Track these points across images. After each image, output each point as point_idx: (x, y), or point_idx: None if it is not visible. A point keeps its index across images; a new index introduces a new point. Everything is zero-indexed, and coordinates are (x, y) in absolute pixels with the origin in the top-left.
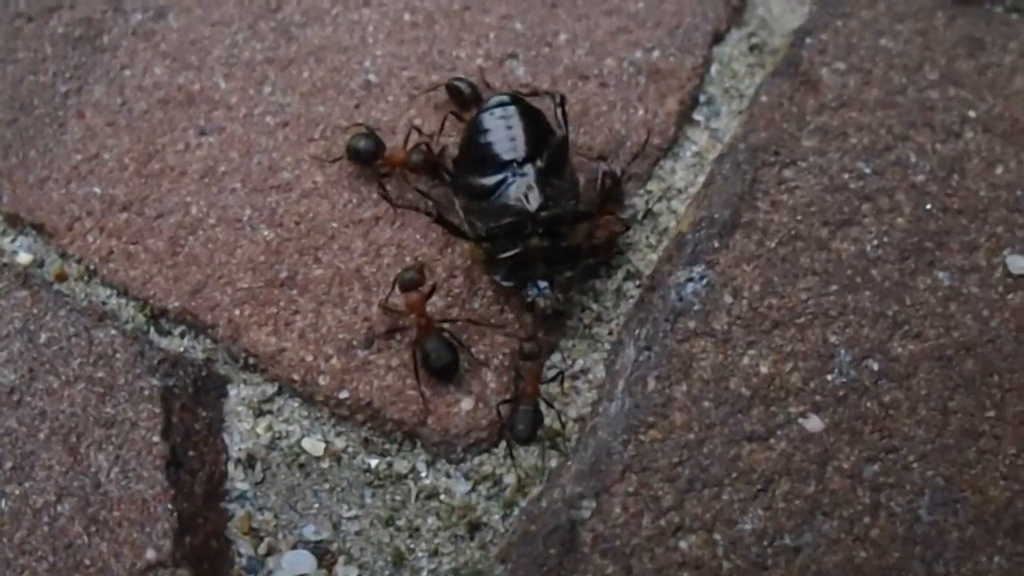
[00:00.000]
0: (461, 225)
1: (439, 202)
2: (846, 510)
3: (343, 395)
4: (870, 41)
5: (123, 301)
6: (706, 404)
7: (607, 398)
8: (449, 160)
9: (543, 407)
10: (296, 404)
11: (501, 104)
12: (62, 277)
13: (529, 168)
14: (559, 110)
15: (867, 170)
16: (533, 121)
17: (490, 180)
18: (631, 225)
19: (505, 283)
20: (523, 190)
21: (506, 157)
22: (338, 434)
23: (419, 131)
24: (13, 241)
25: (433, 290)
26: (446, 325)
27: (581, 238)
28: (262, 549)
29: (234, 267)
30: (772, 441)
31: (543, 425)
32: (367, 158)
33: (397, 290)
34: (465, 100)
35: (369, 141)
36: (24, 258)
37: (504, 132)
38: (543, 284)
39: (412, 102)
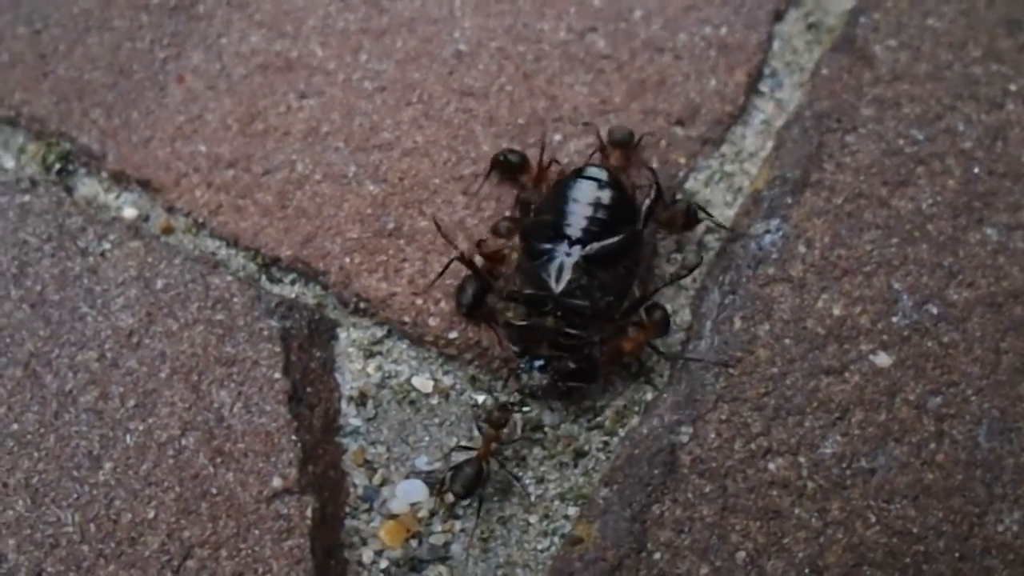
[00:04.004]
0: (509, 271)
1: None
2: (914, 437)
3: (452, 335)
4: (918, 20)
5: (232, 252)
6: (787, 341)
7: (696, 337)
8: (530, 210)
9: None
10: (404, 345)
11: (593, 178)
12: (169, 230)
13: (576, 250)
14: (648, 199)
15: (920, 137)
16: (613, 206)
17: (543, 245)
18: (657, 339)
19: (511, 345)
20: (556, 269)
21: (565, 230)
22: (446, 372)
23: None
24: (118, 198)
25: None
26: None
27: (600, 335)
28: (376, 479)
29: (342, 219)
30: (846, 375)
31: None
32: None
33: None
34: (512, 170)
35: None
36: (129, 213)
37: (577, 205)
38: (538, 363)
39: (502, 70)
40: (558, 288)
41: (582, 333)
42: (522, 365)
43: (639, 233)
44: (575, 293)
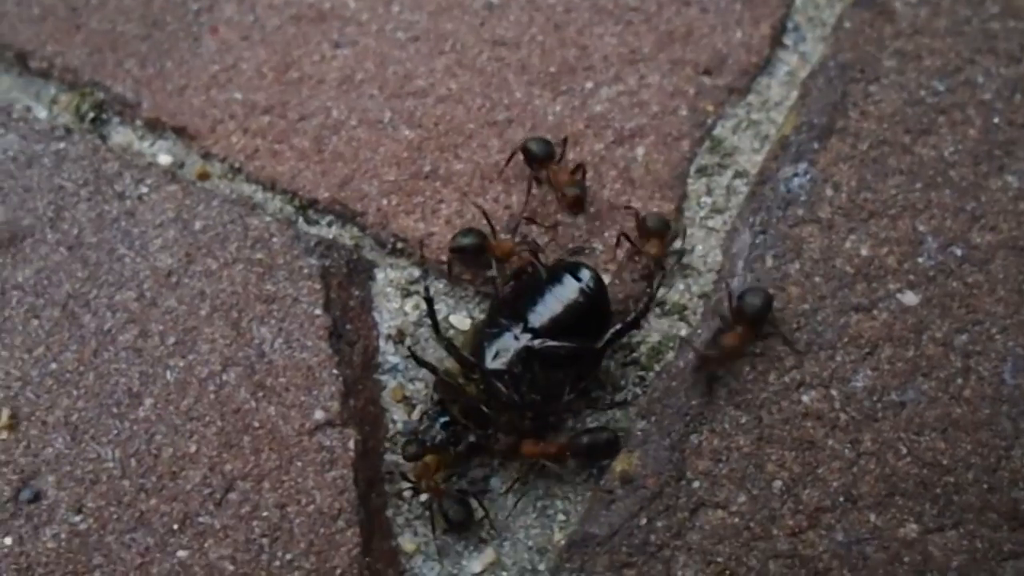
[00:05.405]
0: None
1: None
2: (941, 372)
3: (489, 274)
4: None
5: (269, 195)
6: (817, 279)
7: (728, 275)
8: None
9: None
10: (441, 284)
11: (579, 279)
12: (205, 176)
13: (526, 338)
14: (620, 324)
15: (940, 88)
16: (583, 314)
17: (503, 317)
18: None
19: (433, 389)
20: (500, 346)
21: (526, 314)
22: (483, 311)
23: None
24: (152, 145)
25: None
26: None
27: (503, 427)
28: (415, 415)
29: (379, 162)
30: (875, 312)
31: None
32: (475, 252)
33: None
34: (538, 160)
35: (474, 237)
36: (164, 160)
37: (550, 298)
38: (442, 419)
39: (532, 21)
40: (489, 365)
41: (493, 417)
42: (428, 411)
43: (594, 352)
44: (503, 377)
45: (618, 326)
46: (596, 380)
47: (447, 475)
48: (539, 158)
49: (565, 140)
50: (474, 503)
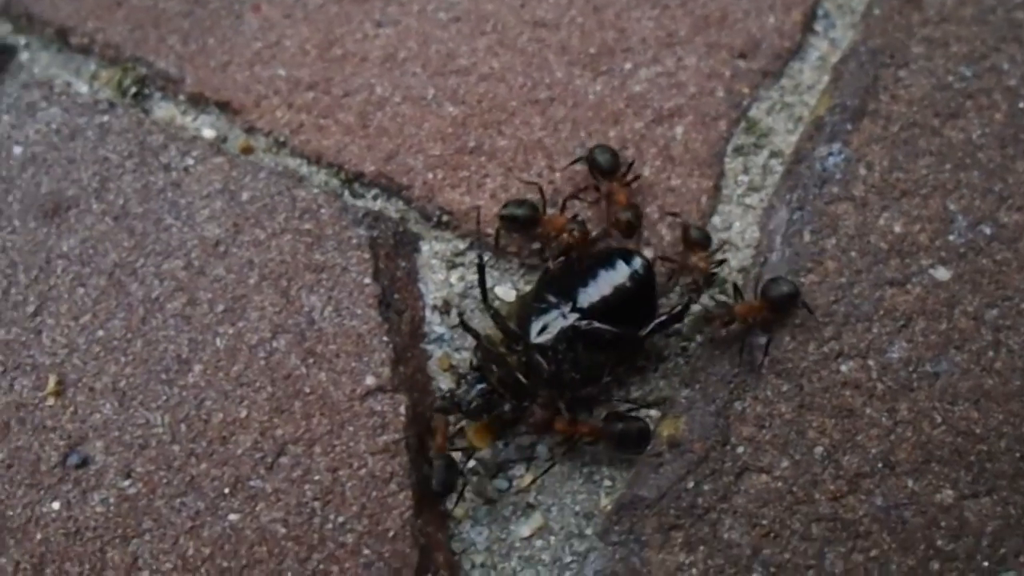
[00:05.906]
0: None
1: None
2: (973, 345)
3: (535, 245)
4: None
5: (314, 169)
6: (853, 254)
7: (767, 250)
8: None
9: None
10: (487, 256)
11: (630, 265)
12: (248, 150)
13: (572, 318)
14: (666, 315)
15: (968, 73)
16: (631, 301)
17: (551, 294)
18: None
19: (474, 355)
20: (546, 322)
21: (576, 294)
22: (527, 283)
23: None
24: (195, 120)
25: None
26: None
27: (539, 400)
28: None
29: (424, 137)
30: (909, 286)
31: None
32: (525, 224)
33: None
34: (604, 171)
35: (527, 208)
36: (208, 134)
37: (601, 281)
38: (480, 386)
39: (572, 4)
40: (534, 339)
41: (530, 389)
42: (468, 376)
43: (637, 339)
44: (546, 353)
45: (662, 318)
46: (641, 351)
47: (452, 445)
48: (603, 170)
49: (625, 162)
50: (519, 470)
